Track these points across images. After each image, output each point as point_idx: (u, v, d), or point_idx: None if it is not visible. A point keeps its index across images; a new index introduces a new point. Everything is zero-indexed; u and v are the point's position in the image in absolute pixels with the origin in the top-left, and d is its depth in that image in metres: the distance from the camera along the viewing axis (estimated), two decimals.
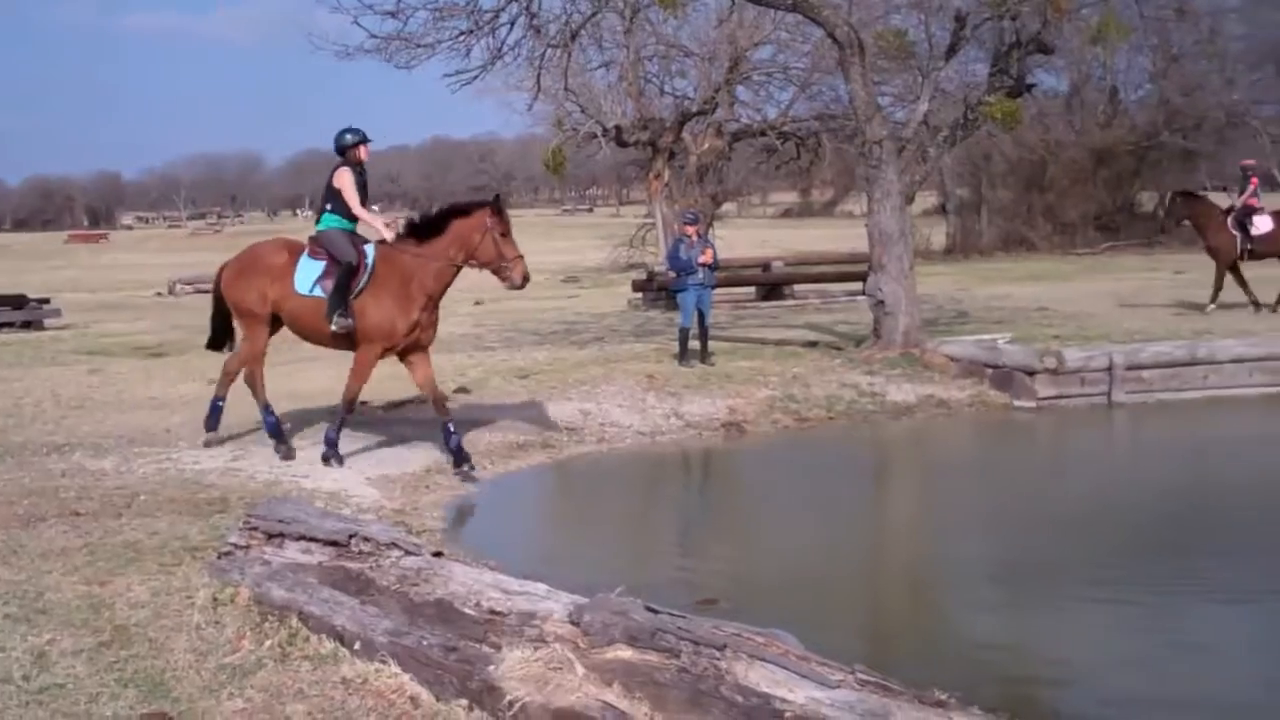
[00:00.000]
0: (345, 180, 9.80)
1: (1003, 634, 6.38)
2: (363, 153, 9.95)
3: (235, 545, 6.22)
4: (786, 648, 4.18)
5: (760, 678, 4.00)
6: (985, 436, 12.13)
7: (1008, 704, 4.50)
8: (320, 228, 9.95)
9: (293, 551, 5.95)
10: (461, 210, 9.69)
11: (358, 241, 9.76)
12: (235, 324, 10.39)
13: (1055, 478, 10.26)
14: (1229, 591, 6.89)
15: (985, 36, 16.02)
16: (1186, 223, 19.39)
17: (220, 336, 10.63)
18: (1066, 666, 5.82)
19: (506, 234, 9.40)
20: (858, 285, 19.34)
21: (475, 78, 15.83)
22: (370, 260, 9.62)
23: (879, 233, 14.39)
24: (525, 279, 9.51)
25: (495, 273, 9.62)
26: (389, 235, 9.79)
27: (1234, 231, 17.82)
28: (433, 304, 9.70)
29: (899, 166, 14.45)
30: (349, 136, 9.91)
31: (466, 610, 4.99)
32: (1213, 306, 17.59)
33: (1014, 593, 7.14)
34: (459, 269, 9.68)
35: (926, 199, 39.71)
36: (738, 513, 9.19)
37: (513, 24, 15.30)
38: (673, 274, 14.72)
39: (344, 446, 9.69)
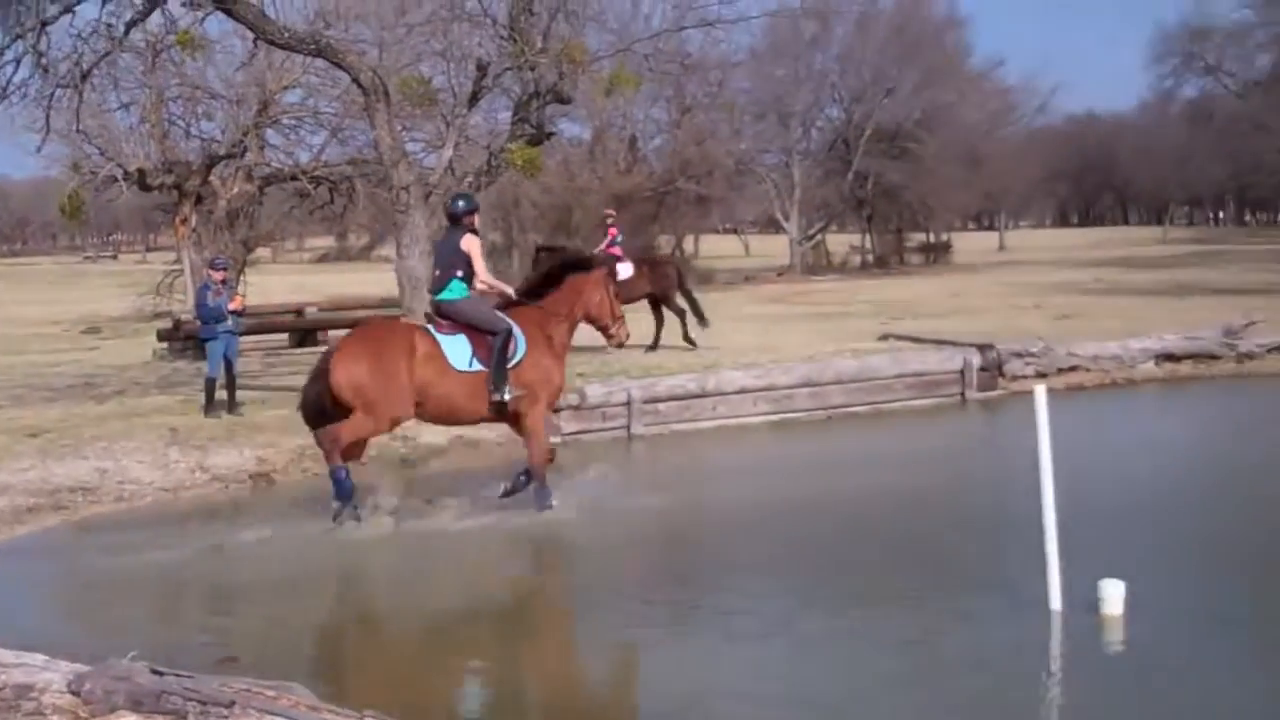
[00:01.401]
0: (477, 248, 9.81)
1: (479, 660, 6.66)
2: (476, 220, 9.97)
3: None
4: (297, 699, 4.22)
5: None
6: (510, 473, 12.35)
7: None
8: (451, 297, 9.71)
9: None
10: (580, 265, 9.99)
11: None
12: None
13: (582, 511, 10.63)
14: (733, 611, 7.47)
15: (508, 85, 16.57)
16: None
17: (314, 420, 9.71)
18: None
19: (618, 294, 9.68)
20: None
21: None
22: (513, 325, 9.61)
23: (408, 277, 14.54)
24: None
25: (602, 330, 10.09)
26: (511, 292, 9.96)
27: None
28: None
29: (426, 212, 14.66)
30: (462, 204, 9.97)
31: None
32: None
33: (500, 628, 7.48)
34: (576, 324, 9.96)
35: None
36: (262, 565, 9.02)
37: (18, 62, 14.40)
38: (200, 322, 14.31)
39: None
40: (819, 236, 53.12)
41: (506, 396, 9.51)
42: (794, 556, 8.69)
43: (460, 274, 9.73)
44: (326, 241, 76.88)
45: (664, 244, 45.11)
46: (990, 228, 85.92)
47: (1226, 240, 79.96)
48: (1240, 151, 39.29)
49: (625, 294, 18.62)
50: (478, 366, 9.51)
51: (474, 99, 15.88)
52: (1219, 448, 12.03)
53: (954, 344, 17.05)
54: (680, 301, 19.49)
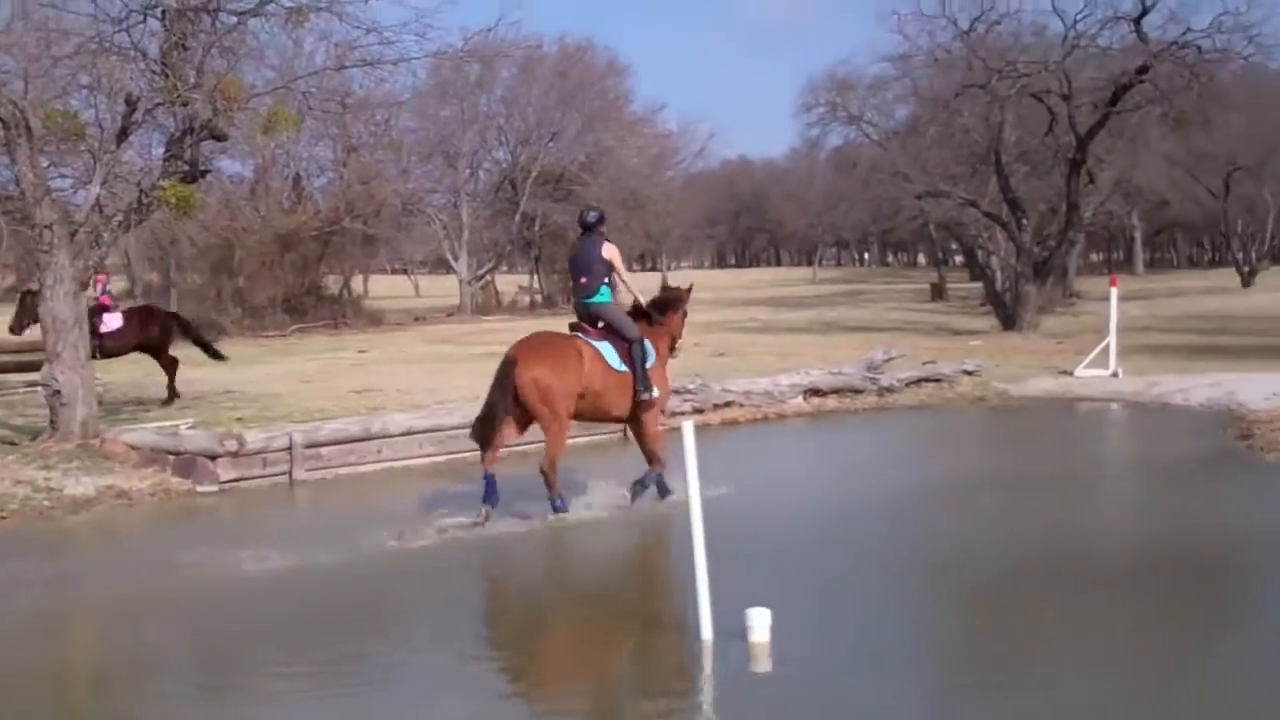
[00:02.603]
0: (618, 256, 11.01)
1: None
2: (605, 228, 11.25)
3: None
4: None
5: None
6: (163, 523, 11.89)
7: None
8: (601, 300, 10.89)
9: None
10: (680, 300, 11.52)
11: None
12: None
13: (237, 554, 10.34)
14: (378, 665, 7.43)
15: (161, 120, 15.96)
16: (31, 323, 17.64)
17: (491, 426, 10.64)
18: None
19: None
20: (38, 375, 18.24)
21: None
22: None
23: (53, 319, 13.83)
24: None
25: (673, 345, 11.53)
26: (642, 301, 11.32)
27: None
28: None
29: (72, 251, 13.98)
30: (594, 214, 11.25)
31: None
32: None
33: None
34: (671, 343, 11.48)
35: (119, 282, 38.55)
36: None
37: None
38: None
39: None
40: (488, 277, 53.42)
41: (654, 395, 10.96)
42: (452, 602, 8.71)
43: (606, 280, 10.99)
44: None
45: (331, 284, 44.39)
46: (653, 268, 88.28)
47: (870, 280, 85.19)
48: (881, 197, 41.88)
49: (115, 345, 18.08)
50: (624, 368, 10.76)
51: (123, 134, 15.22)
52: (865, 478, 12.74)
53: None
54: (176, 350, 18.86)
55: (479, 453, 11.02)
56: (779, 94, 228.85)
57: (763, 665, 6.93)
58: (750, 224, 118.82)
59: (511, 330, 37.08)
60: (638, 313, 11.36)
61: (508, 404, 10.58)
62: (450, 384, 19.19)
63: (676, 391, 16.65)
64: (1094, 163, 33.01)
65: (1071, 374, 20.51)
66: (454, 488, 12.34)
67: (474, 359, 25.31)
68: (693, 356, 22.90)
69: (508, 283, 57.10)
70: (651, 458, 11.14)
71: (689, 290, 11.86)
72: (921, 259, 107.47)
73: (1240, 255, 61.45)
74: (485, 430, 10.75)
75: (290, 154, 42.94)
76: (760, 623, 7.05)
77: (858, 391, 18.62)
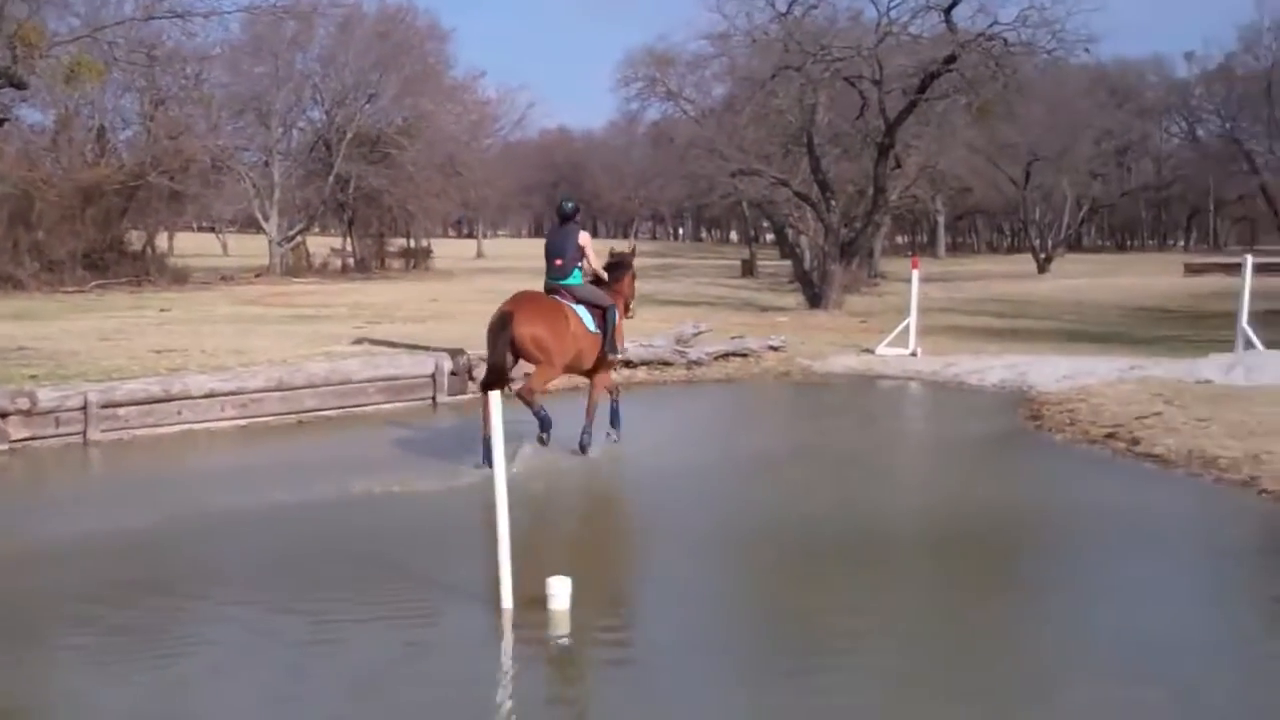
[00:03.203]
0: (589, 242, 12.47)
1: None
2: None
3: None
4: None
5: None
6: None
7: None
8: (574, 282, 12.26)
9: None
10: (628, 263, 13.09)
11: None
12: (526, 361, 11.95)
13: (30, 516, 10.03)
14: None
15: None
16: None
17: (503, 377, 11.47)
18: None
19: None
20: None
21: None
22: None
23: None
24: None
25: (627, 306, 13.11)
26: (604, 275, 12.79)
27: None
28: None
29: None
30: (571, 205, 12.60)
31: None
32: None
33: None
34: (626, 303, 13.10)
35: None
36: None
37: None
38: None
39: None
40: (299, 238, 52.29)
41: (618, 355, 12.95)
42: (267, 568, 8.60)
43: (580, 264, 12.34)
44: None
45: (135, 240, 42.90)
46: (470, 235, 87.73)
47: (684, 255, 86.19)
48: (697, 174, 42.30)
49: None
50: (596, 329, 12.25)
51: None
52: (673, 451, 12.95)
53: (426, 349, 17.42)
54: None
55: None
56: (602, 66, 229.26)
57: (562, 631, 7.05)
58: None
59: (321, 293, 36.55)
60: (597, 281, 12.69)
61: (505, 354, 11.59)
62: (256, 345, 18.80)
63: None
64: (902, 148, 33.92)
65: (873, 352, 21.15)
66: (256, 450, 12.15)
67: (281, 320, 24.88)
68: None
69: (320, 244, 55.95)
70: (603, 398, 12.74)
71: (633, 252, 13.53)
72: (735, 236, 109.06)
73: (1038, 242, 63.97)
74: (498, 381, 11.36)
75: (95, 105, 41.26)
76: (561, 591, 7.17)
77: (667, 364, 18.90)
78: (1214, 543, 9.64)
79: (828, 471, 12.17)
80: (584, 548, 9.33)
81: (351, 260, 53.49)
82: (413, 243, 58.58)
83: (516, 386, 12.37)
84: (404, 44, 53.30)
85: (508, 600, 7.21)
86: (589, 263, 12.54)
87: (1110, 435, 13.19)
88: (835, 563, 8.78)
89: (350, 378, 15.33)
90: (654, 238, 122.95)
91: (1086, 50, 32.93)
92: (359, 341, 19.68)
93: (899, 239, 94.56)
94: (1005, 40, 30.64)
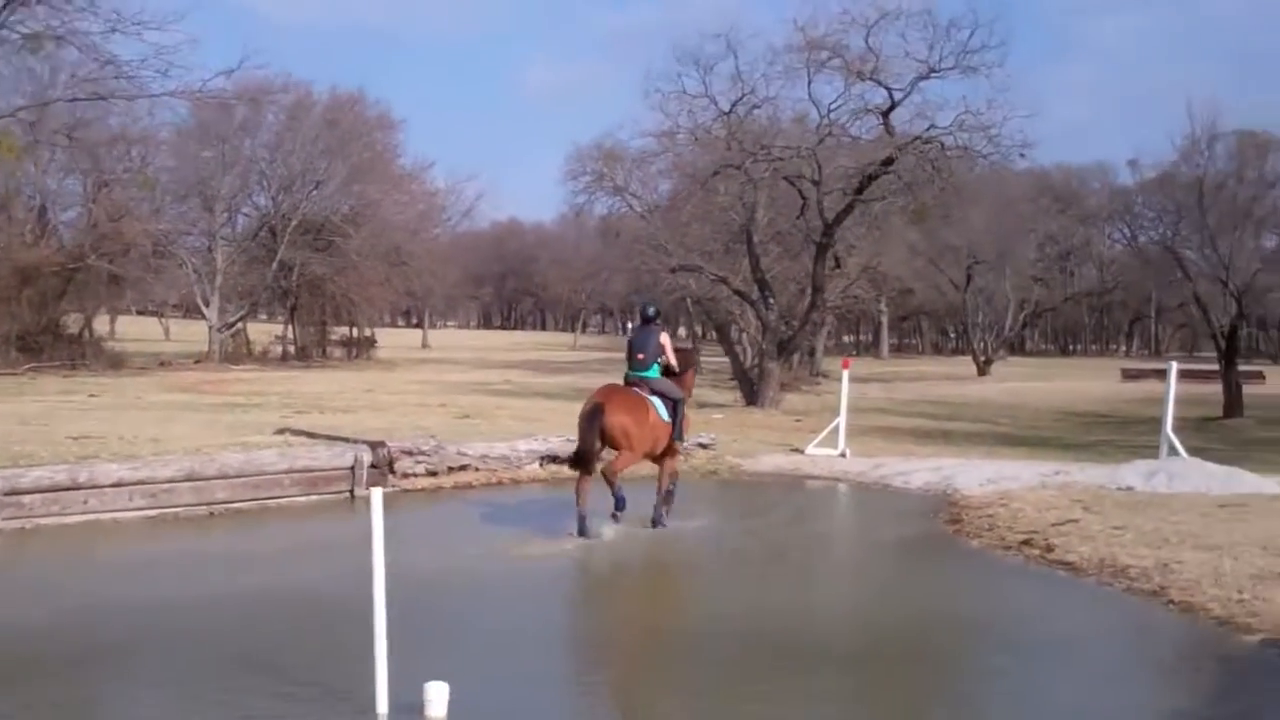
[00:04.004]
0: (669, 342, 13.97)
1: None
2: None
3: None
4: None
5: None
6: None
7: None
8: (652, 375, 13.72)
9: None
10: (693, 361, 14.65)
11: None
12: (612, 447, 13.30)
13: None
14: None
15: None
16: None
17: (591, 460, 13.11)
18: None
19: None
20: None
21: None
22: None
23: None
24: None
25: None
26: (676, 368, 14.08)
27: None
28: None
29: None
30: (653, 309, 14.14)
31: None
32: None
33: None
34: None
35: None
36: None
37: None
38: None
39: None
40: (240, 324, 52.00)
41: (685, 443, 14.97)
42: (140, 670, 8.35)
43: (659, 360, 13.77)
44: None
45: (73, 322, 42.52)
46: (418, 325, 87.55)
47: None
48: (642, 268, 42.48)
49: None
50: (668, 419, 13.62)
51: None
52: (585, 548, 12.82)
53: (348, 440, 17.19)
54: None
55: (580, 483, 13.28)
56: (552, 159, 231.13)
57: None
58: (517, 286, 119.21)
59: (258, 381, 36.22)
60: (668, 372, 13.95)
61: (594, 442, 13.08)
62: (176, 433, 18.52)
63: (409, 453, 16.55)
64: (843, 248, 34.28)
65: (803, 452, 21.12)
66: (160, 542, 11.87)
67: (209, 408, 24.61)
68: (437, 417, 22.72)
69: (263, 331, 55.68)
70: (663, 485, 14.07)
71: (696, 351, 15.29)
72: (682, 331, 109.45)
73: (979, 345, 64.58)
74: (585, 464, 13.12)
75: (36, 185, 41.12)
76: (438, 697, 6.98)
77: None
78: (1115, 655, 9.58)
79: (749, 572, 12.10)
80: (461, 652, 9.10)
81: (293, 348, 53.19)
82: (356, 332, 58.41)
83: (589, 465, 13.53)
84: (353, 132, 53.57)
85: (383, 704, 7.01)
86: (667, 358, 13.89)
87: (1025, 542, 13.16)
88: (734, 670, 8.63)
89: (265, 469, 15.06)
90: (602, 331, 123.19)
91: (1023, 155, 33.42)
92: (281, 431, 19.40)
93: (845, 338, 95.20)
94: (942, 144, 31.13)
